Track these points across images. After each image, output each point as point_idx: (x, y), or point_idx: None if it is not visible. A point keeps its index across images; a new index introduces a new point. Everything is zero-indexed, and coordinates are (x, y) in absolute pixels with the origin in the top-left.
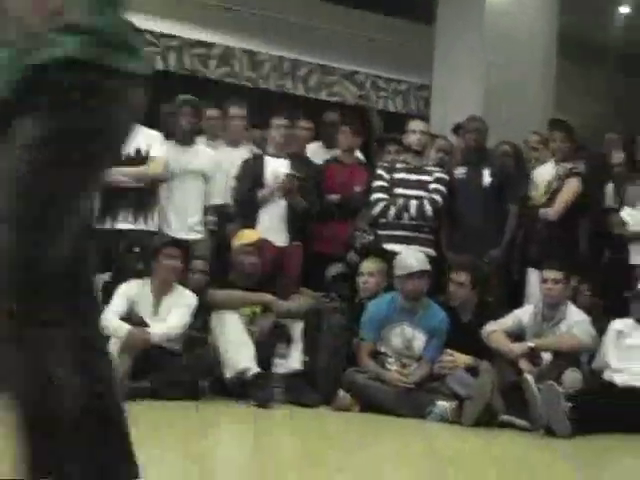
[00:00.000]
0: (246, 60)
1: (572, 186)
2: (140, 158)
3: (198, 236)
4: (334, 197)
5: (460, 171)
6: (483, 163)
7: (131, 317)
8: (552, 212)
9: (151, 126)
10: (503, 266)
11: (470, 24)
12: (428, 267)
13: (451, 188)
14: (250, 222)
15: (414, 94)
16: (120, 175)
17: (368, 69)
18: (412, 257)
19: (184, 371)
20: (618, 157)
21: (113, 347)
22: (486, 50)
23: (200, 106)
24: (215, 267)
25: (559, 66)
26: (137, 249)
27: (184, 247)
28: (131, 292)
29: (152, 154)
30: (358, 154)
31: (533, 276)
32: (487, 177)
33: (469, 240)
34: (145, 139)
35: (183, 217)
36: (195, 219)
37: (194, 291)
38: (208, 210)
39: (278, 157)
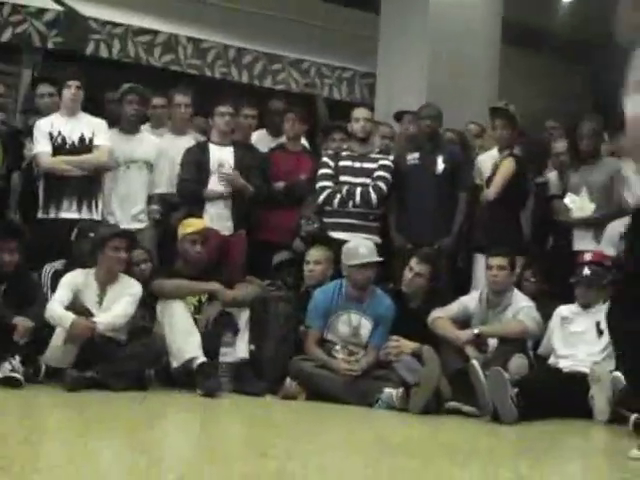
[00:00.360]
0: (191, 48)
1: (506, 166)
2: (84, 146)
3: (142, 225)
4: (279, 185)
5: (413, 156)
6: (437, 150)
7: (76, 306)
8: (490, 192)
9: (95, 114)
10: (452, 253)
11: (415, 12)
12: (378, 258)
13: (402, 173)
14: (196, 211)
15: (359, 82)
16: (64, 163)
17: (313, 57)
18: (363, 246)
19: (130, 361)
20: (562, 146)
21: (58, 336)
22: (430, 38)
23: (146, 94)
24: (161, 256)
25: (503, 53)
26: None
27: (130, 238)
28: (76, 281)
29: (96, 142)
30: (304, 142)
31: (480, 261)
32: (440, 164)
33: (419, 225)
34: (89, 127)
35: (127, 206)
36: (139, 208)
37: (138, 281)
38: (152, 199)
39: (223, 145)
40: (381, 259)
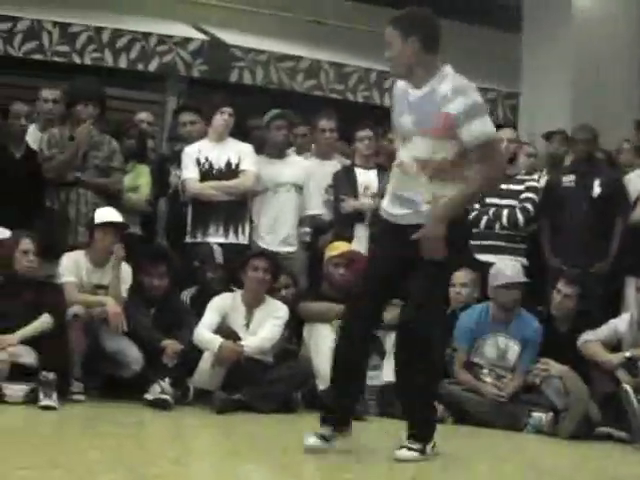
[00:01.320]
0: (333, 73)
1: None
2: (231, 171)
3: (292, 249)
4: None
5: (568, 179)
6: (593, 172)
7: (223, 330)
8: (636, 215)
9: (240, 140)
10: (607, 276)
11: (558, 31)
12: (524, 278)
13: (556, 195)
14: (346, 234)
15: (502, 102)
16: (211, 189)
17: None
18: (508, 268)
19: (277, 383)
20: None
21: (207, 360)
22: (574, 56)
23: (294, 119)
24: (311, 279)
25: None
26: (219, 260)
27: (272, 258)
28: (223, 305)
29: (243, 167)
30: None
31: (631, 284)
32: (597, 187)
33: (574, 249)
34: (236, 152)
35: (276, 230)
36: (288, 231)
37: (285, 302)
38: (303, 221)
39: (367, 168)
40: (527, 280)
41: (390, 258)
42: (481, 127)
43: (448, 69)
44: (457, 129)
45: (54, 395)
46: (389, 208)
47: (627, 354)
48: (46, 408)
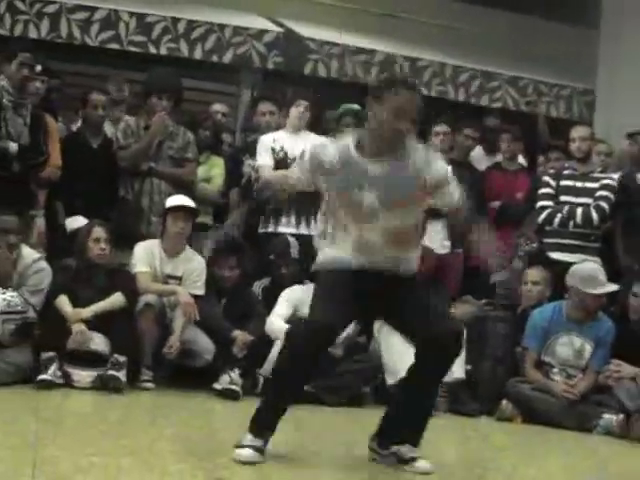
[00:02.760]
0: (407, 66)
1: None
2: None
3: None
4: (495, 204)
5: None
6: None
7: (295, 321)
8: None
9: (315, 132)
10: None
11: (635, 27)
12: (616, 287)
13: (630, 193)
14: None
15: (577, 99)
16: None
17: (531, 74)
18: (601, 273)
19: (346, 376)
20: None
21: (277, 350)
22: None
23: (362, 115)
24: None
25: None
26: (295, 255)
27: None
28: (295, 297)
29: None
30: (521, 160)
31: None
32: None
33: None
34: (311, 144)
35: None
36: None
37: None
38: None
39: None
40: (617, 288)
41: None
42: (458, 189)
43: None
44: (437, 190)
45: (123, 372)
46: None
47: None
48: (113, 380)
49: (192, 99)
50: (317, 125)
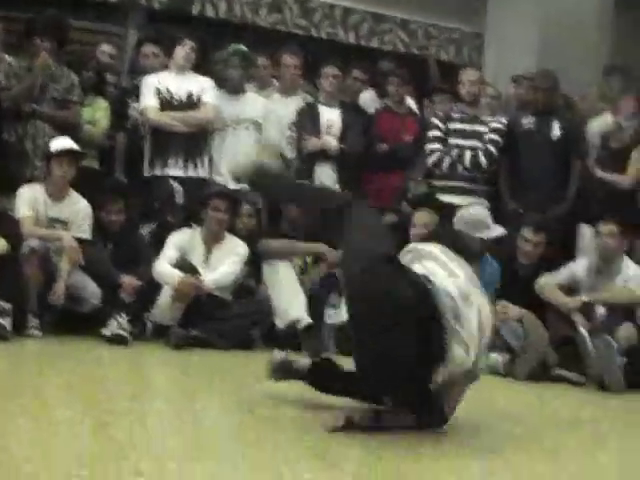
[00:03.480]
0: (297, 7)
1: None
2: (191, 103)
3: None
4: (383, 146)
5: (528, 121)
6: (553, 115)
7: (182, 265)
8: (627, 181)
9: (201, 74)
10: (563, 220)
11: None
12: (504, 230)
13: (515, 137)
14: (308, 172)
15: (467, 43)
16: (171, 118)
17: (421, 17)
18: (488, 217)
19: (235, 320)
20: None
21: (165, 295)
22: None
23: (251, 56)
24: (269, 217)
25: (616, 11)
26: (180, 202)
27: (232, 198)
28: (182, 241)
29: (204, 100)
30: (410, 103)
31: (586, 232)
32: (556, 130)
33: (532, 192)
34: (197, 85)
35: None
36: None
37: (243, 236)
38: None
39: (330, 106)
40: (504, 233)
41: None
42: None
43: None
44: None
45: (8, 320)
46: None
47: (584, 298)
48: None
49: (78, 40)
50: (203, 67)
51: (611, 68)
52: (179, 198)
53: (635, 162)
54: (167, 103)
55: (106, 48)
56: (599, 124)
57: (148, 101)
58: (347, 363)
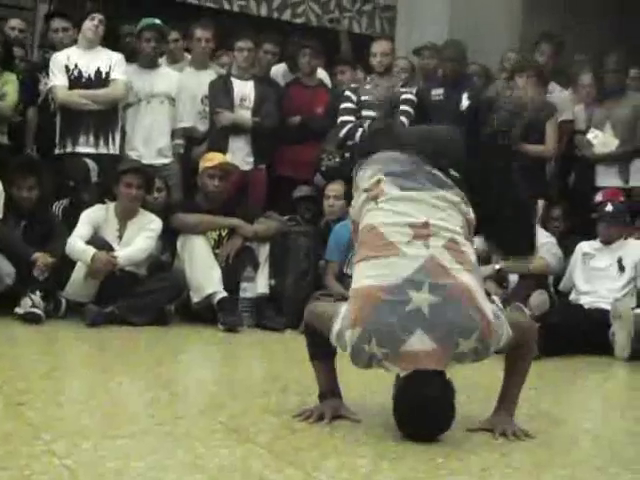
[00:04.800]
0: None
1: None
2: (100, 80)
3: (167, 160)
4: (295, 119)
5: (437, 92)
6: (461, 86)
7: (96, 242)
8: (550, 152)
9: (111, 48)
10: None
11: None
12: None
13: (425, 109)
14: (221, 146)
15: (379, 15)
16: (79, 97)
17: None
18: None
19: (150, 296)
20: (587, 77)
21: (79, 271)
22: None
23: (163, 30)
24: (182, 191)
25: None
26: (95, 179)
27: (145, 173)
28: (96, 217)
29: (113, 76)
30: (323, 76)
31: None
32: (465, 100)
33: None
34: (106, 61)
35: (150, 142)
36: (163, 143)
37: (155, 210)
38: (176, 133)
39: (244, 79)
40: None
41: None
42: None
43: None
44: None
45: None
46: None
47: (496, 266)
48: None
49: None
50: (114, 41)
51: (542, 36)
52: (94, 176)
53: (550, 134)
54: (76, 81)
55: (14, 23)
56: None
57: (57, 80)
58: (265, 336)
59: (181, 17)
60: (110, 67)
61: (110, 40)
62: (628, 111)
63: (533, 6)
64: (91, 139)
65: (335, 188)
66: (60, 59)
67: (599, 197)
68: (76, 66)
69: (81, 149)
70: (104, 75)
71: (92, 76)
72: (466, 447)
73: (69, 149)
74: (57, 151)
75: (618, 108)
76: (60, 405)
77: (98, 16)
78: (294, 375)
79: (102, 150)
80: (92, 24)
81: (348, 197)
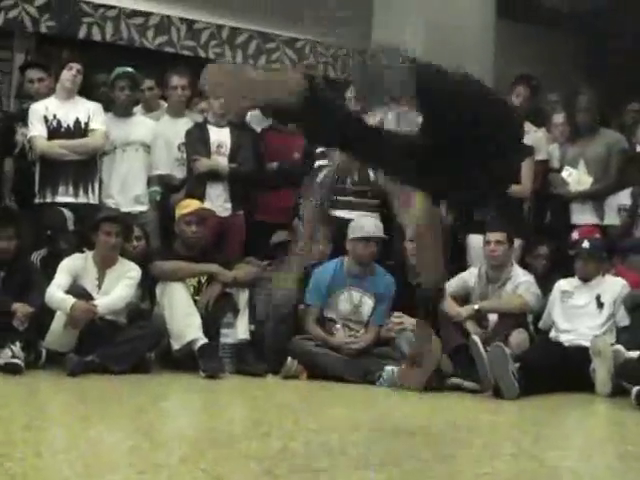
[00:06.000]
0: (184, 29)
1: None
2: (79, 130)
3: (143, 208)
4: (273, 165)
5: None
6: None
7: (75, 291)
8: (527, 191)
9: (87, 98)
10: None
11: None
12: (383, 235)
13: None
14: (199, 192)
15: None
16: (59, 147)
17: (307, 35)
18: (370, 222)
19: (130, 344)
20: (559, 117)
21: (59, 321)
22: (423, 11)
23: (137, 78)
24: (162, 238)
25: (498, 27)
26: (72, 228)
27: (123, 221)
28: (75, 266)
29: (92, 126)
30: None
31: (474, 240)
32: None
33: None
34: (84, 111)
35: (127, 189)
36: (139, 191)
37: (135, 259)
38: (152, 180)
39: (219, 126)
40: (385, 236)
41: None
42: None
43: None
44: None
45: None
46: None
47: (476, 306)
48: None
49: None
50: (89, 90)
51: (518, 78)
52: (70, 224)
53: (526, 173)
54: (55, 131)
55: None
56: None
57: (36, 131)
58: (246, 382)
59: (156, 64)
60: (89, 117)
61: (85, 89)
62: (601, 149)
63: (504, 48)
64: (70, 189)
65: None
66: (38, 109)
67: (575, 234)
68: (54, 116)
69: (61, 199)
70: (83, 125)
71: (71, 126)
72: None
73: (49, 199)
74: (37, 201)
75: (591, 146)
76: (40, 455)
77: (76, 66)
78: (275, 420)
79: (82, 199)
80: (70, 74)
81: (327, 240)
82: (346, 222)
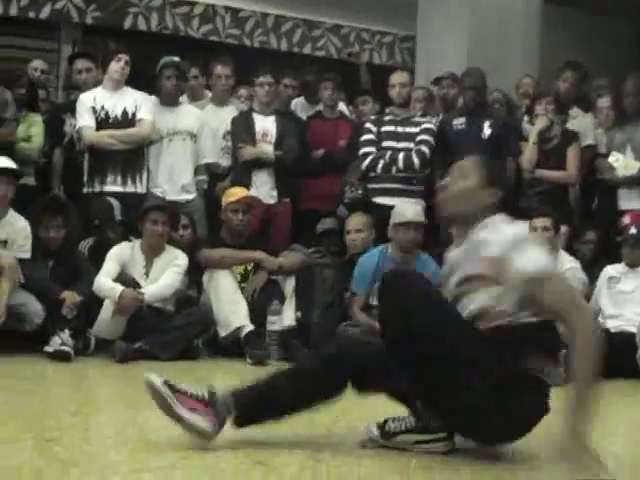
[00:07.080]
0: (229, 17)
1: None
2: (127, 120)
3: (190, 196)
4: (318, 152)
5: (459, 121)
6: (483, 115)
7: (123, 279)
8: (572, 178)
9: (136, 87)
10: None
11: None
12: (423, 219)
13: (447, 139)
14: (245, 180)
15: (399, 46)
16: (107, 137)
17: (353, 22)
18: (409, 208)
19: (178, 331)
20: (604, 101)
21: (107, 309)
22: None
23: (183, 67)
24: (210, 226)
25: (544, 11)
26: (119, 217)
27: (170, 210)
28: (122, 254)
29: (139, 116)
30: (343, 108)
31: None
32: (487, 129)
33: None
34: (132, 101)
35: (174, 178)
36: (186, 179)
37: (182, 247)
38: (199, 169)
39: (265, 114)
40: (425, 221)
41: None
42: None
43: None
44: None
45: None
46: None
47: None
48: None
49: (11, 57)
50: (138, 81)
51: (566, 63)
52: (118, 214)
53: (572, 159)
54: (103, 122)
55: (37, 64)
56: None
57: (84, 121)
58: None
59: (201, 53)
60: (136, 107)
61: (134, 80)
62: None
63: (550, 33)
64: (118, 178)
65: (356, 222)
66: (86, 100)
67: (626, 220)
68: (103, 107)
69: (108, 188)
70: (130, 115)
71: (119, 116)
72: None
73: (97, 188)
74: (85, 190)
75: (639, 131)
76: (89, 441)
77: (124, 57)
78: (321, 407)
79: (129, 189)
80: (119, 65)
81: (370, 227)
82: (391, 209)
